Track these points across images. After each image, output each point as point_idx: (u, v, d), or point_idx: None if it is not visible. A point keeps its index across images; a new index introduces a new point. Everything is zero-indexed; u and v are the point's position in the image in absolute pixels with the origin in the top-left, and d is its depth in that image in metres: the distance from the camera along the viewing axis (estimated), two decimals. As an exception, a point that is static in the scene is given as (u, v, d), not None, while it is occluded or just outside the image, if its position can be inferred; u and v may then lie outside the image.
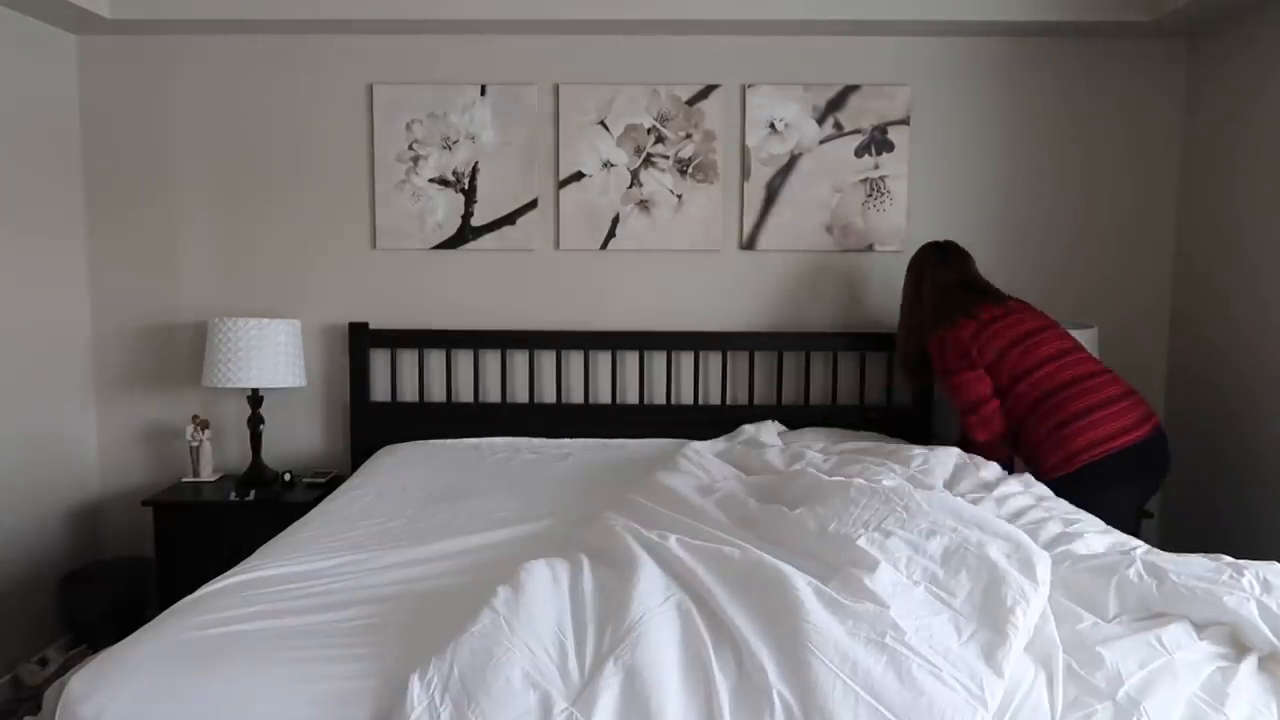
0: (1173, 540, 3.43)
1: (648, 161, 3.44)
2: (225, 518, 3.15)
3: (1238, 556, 3.03)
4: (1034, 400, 2.68)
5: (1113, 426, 2.61)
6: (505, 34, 3.39)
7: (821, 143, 3.43)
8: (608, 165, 3.44)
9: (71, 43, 3.38)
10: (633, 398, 3.50)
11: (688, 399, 3.51)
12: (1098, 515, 2.23)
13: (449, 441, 3.28)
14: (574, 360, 3.51)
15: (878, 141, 3.42)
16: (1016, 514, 2.18)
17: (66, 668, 3.03)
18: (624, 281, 3.50)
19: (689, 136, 3.43)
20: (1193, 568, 1.70)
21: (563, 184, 3.45)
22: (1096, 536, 1.98)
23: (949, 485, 2.44)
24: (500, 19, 3.22)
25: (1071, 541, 1.93)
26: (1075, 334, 3.14)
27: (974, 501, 2.21)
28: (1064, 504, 2.32)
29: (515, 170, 3.45)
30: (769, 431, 3.16)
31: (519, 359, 3.52)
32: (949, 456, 2.60)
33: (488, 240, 3.48)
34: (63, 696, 1.53)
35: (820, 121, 3.42)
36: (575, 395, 3.51)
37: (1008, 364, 2.71)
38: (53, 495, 3.30)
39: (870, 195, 3.44)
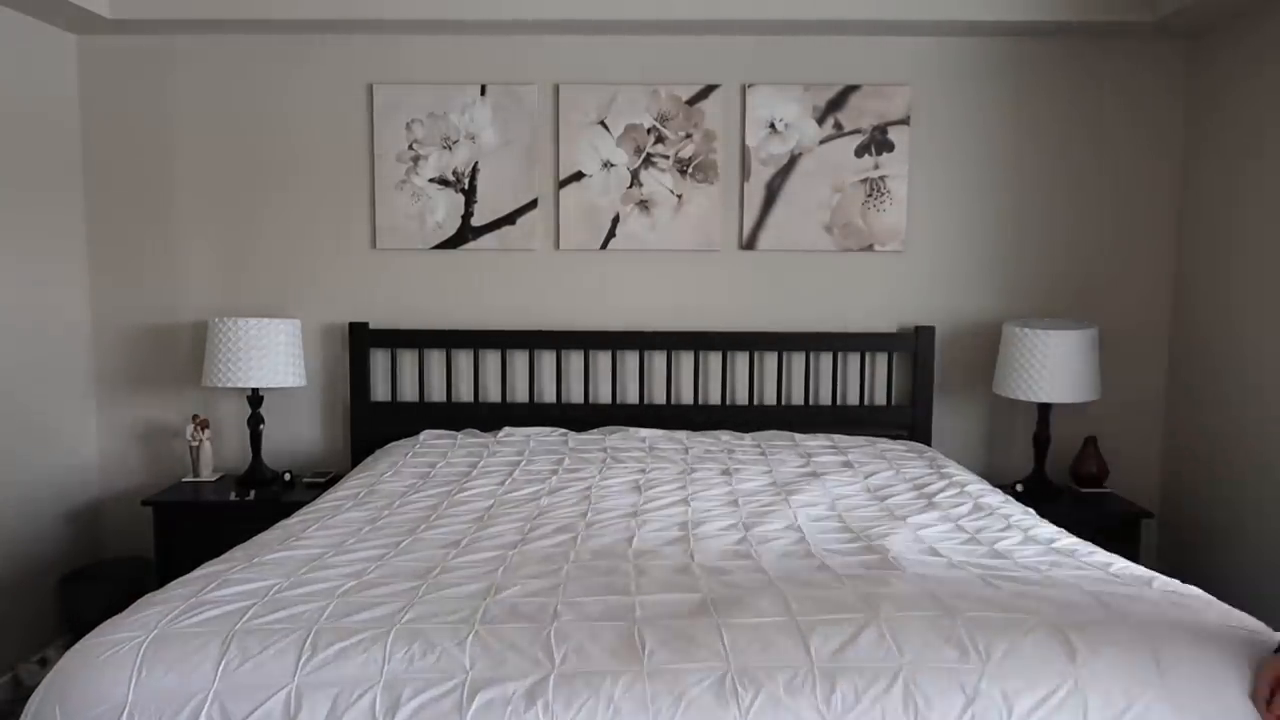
0: (1172, 540, 3.44)
1: (648, 161, 3.44)
2: (225, 518, 3.15)
3: (1237, 557, 3.06)
4: None
5: None
6: (505, 34, 3.39)
7: (821, 143, 3.42)
8: (608, 165, 3.44)
9: (71, 43, 3.38)
10: (633, 398, 3.50)
11: (688, 399, 3.51)
12: None
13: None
14: (574, 360, 3.51)
15: (878, 141, 3.42)
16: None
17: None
18: (624, 281, 3.50)
19: (689, 136, 3.43)
20: None
21: (563, 184, 3.45)
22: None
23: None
24: (500, 19, 3.22)
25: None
26: (1075, 334, 3.15)
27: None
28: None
29: (515, 170, 3.45)
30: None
31: (519, 359, 3.52)
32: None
33: (488, 240, 3.48)
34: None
35: (820, 121, 3.42)
36: (575, 395, 3.51)
37: None
38: (53, 495, 3.30)
39: (870, 195, 3.44)
